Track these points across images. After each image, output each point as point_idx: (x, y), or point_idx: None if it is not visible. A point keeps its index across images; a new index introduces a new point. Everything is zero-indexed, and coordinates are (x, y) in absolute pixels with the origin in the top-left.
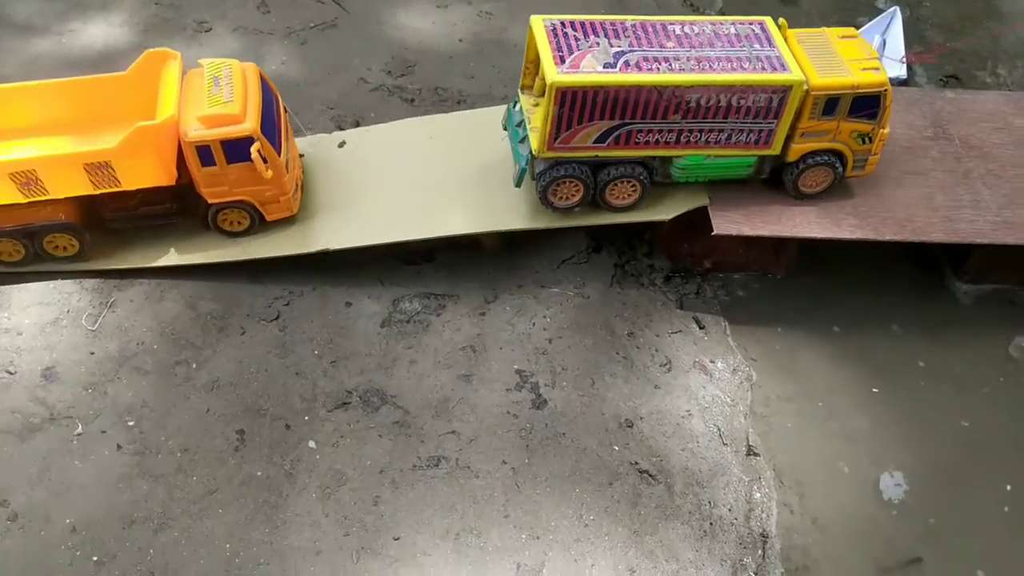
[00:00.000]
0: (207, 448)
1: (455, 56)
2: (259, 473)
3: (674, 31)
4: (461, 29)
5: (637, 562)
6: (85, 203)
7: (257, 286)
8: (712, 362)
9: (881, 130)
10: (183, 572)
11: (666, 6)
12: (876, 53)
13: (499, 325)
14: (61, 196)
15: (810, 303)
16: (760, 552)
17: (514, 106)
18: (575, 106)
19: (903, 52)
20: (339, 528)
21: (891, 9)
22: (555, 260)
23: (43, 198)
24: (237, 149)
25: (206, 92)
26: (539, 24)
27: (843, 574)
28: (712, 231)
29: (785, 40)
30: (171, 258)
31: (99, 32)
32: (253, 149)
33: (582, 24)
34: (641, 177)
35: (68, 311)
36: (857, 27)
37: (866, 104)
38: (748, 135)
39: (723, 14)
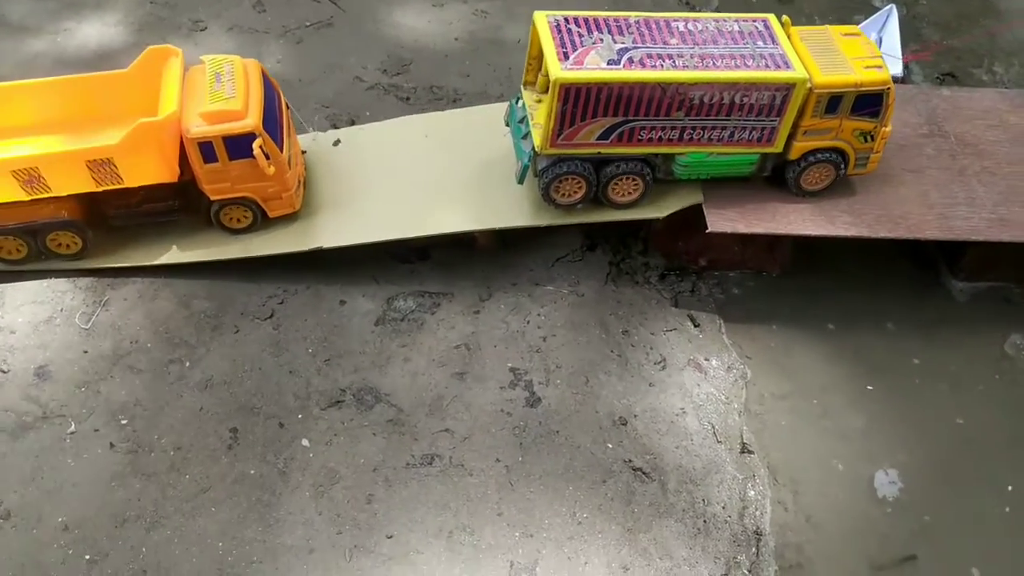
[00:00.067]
0: (200, 446)
1: (451, 55)
2: (252, 471)
3: (677, 28)
4: (457, 28)
5: (631, 560)
6: (88, 200)
7: (251, 284)
8: (707, 360)
9: (883, 128)
10: (175, 570)
11: (662, 4)
12: (879, 51)
13: (493, 323)
14: (64, 193)
15: (805, 301)
16: (754, 550)
17: (516, 102)
18: (579, 103)
19: (899, 50)
20: (332, 526)
21: (887, 7)
22: (550, 258)
23: (46, 195)
24: (239, 145)
25: (208, 88)
26: (542, 20)
27: (837, 572)
28: (707, 229)
29: (788, 38)
30: (173, 255)
31: (94, 31)
32: (255, 145)
33: (585, 20)
34: (644, 174)
35: (61, 309)
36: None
37: (869, 102)
38: (751, 132)
39: (719, 12)
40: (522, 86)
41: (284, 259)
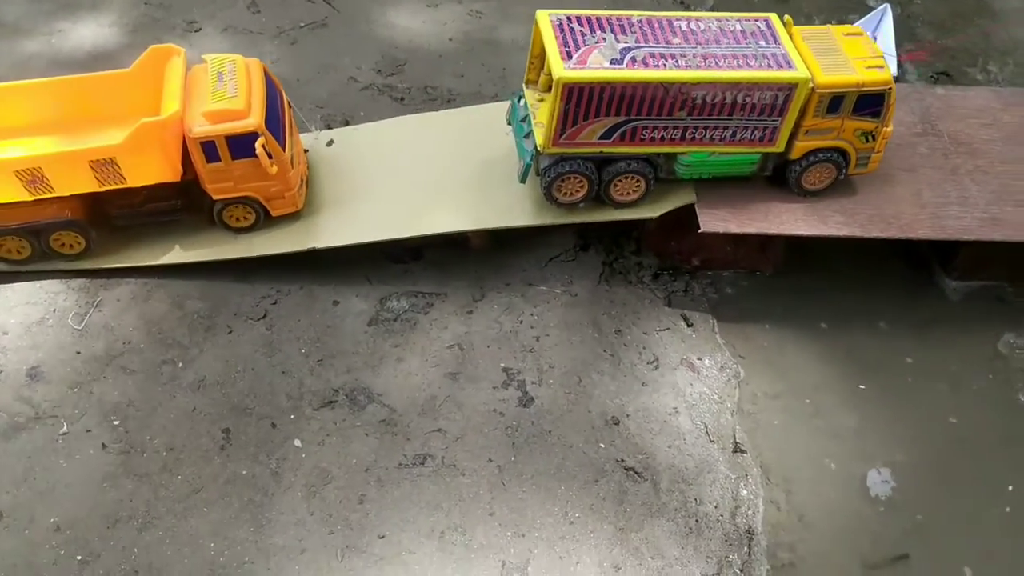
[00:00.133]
0: (192, 447)
1: (445, 55)
2: (244, 472)
3: (680, 27)
4: (451, 28)
5: (622, 559)
6: (91, 200)
7: (244, 285)
8: (700, 359)
9: (884, 128)
10: (167, 571)
11: (658, 3)
12: (880, 51)
13: (486, 323)
14: (67, 193)
15: (798, 300)
16: (746, 549)
17: (518, 101)
18: (581, 102)
19: (894, 49)
20: (324, 526)
21: (882, 6)
22: (543, 258)
23: (49, 196)
24: (242, 145)
25: (210, 88)
26: (545, 19)
27: (829, 570)
28: (699, 229)
29: (790, 37)
30: (176, 255)
31: (88, 32)
32: (258, 144)
33: (588, 19)
34: (646, 173)
35: (54, 310)
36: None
37: (870, 102)
38: (753, 132)
39: (714, 11)
40: (524, 84)
41: (278, 259)
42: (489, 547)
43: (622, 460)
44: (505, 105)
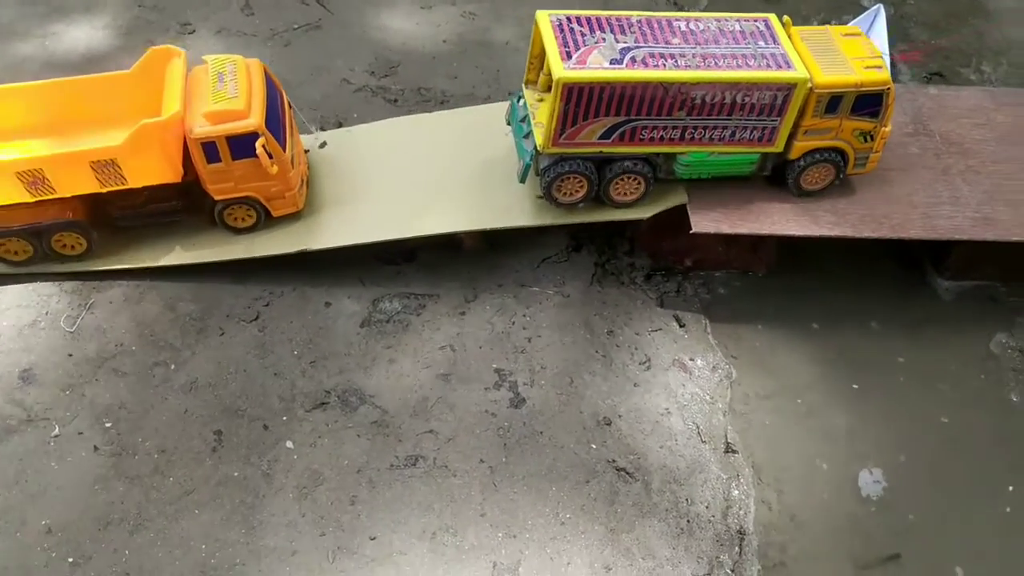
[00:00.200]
0: (184, 449)
1: (438, 57)
2: (236, 474)
3: (679, 27)
4: (445, 30)
5: (613, 560)
6: (92, 201)
7: (237, 286)
8: (692, 360)
9: (883, 128)
10: (158, 573)
11: (651, 3)
12: (879, 51)
13: (479, 324)
14: (68, 195)
15: (790, 300)
16: (737, 549)
17: (518, 101)
18: (581, 102)
19: (887, 50)
20: (315, 528)
21: (875, 7)
22: (535, 259)
23: (50, 197)
24: (242, 145)
25: (211, 88)
26: (545, 19)
27: (821, 571)
28: (691, 229)
29: (789, 37)
30: (176, 256)
31: (82, 35)
32: (258, 145)
33: (588, 19)
34: (645, 173)
35: (46, 313)
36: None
37: (869, 102)
38: (752, 132)
39: (708, 12)
40: (523, 84)
41: (270, 260)
42: (480, 548)
43: (614, 461)
44: (500, 106)
